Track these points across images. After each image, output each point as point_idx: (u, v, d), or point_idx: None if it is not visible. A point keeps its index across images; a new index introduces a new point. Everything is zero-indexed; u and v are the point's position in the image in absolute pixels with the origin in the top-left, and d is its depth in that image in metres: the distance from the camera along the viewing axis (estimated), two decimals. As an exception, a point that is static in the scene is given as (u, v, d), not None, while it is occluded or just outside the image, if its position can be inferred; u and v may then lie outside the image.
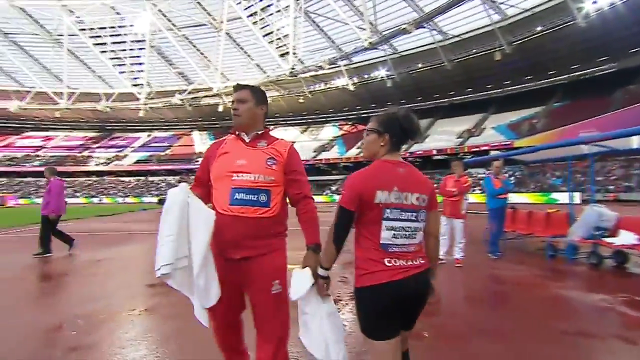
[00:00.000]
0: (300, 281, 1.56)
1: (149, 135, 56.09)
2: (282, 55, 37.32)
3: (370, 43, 31.09)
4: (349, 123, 49.57)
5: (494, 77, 36.71)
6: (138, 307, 3.45)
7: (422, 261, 1.52)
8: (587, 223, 5.22)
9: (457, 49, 33.63)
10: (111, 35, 42.74)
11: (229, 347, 1.80)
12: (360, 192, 1.46)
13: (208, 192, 1.77)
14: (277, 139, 1.81)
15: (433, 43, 33.68)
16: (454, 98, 42.33)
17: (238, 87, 1.81)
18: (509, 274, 4.89)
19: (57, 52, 44.95)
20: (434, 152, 37.53)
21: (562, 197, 24.25)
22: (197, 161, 39.18)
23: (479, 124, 38.40)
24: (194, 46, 44.76)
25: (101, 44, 43.06)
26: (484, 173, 32.07)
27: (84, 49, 44.66)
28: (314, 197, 1.80)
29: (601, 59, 31.11)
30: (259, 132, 1.78)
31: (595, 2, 25.65)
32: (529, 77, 36.22)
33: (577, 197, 24.12)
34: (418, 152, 38.62)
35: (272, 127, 53.76)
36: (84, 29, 42.20)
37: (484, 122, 38.33)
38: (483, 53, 32.57)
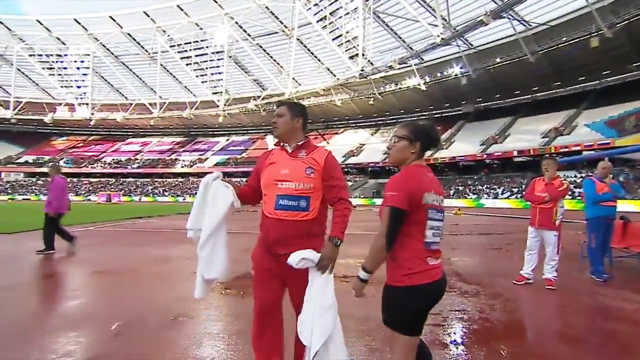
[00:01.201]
0: (300, 254, 1.74)
1: (227, 140, 60.32)
2: (351, 57, 37.41)
3: (442, 39, 29.59)
4: (420, 123, 47.70)
5: (588, 68, 32.40)
6: (207, 307, 3.65)
7: (441, 259, 1.68)
8: None
9: (541, 39, 30.26)
10: (195, 49, 47.14)
11: (267, 347, 1.94)
12: (411, 193, 1.55)
13: (254, 193, 2.07)
14: (316, 147, 2.01)
15: (513, 34, 30.83)
16: (538, 94, 38.36)
17: (278, 105, 2.04)
18: (626, 306, 3.71)
19: (152, 68, 50.95)
20: (515, 153, 34.36)
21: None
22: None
23: (569, 121, 34.26)
24: (267, 54, 47.10)
25: (186, 57, 47.75)
26: (575, 176, 28.55)
27: (172, 62, 49.93)
28: (350, 198, 1.99)
29: None
30: (300, 143, 1.98)
31: None
32: (636, 64, 31.18)
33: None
34: (497, 154, 35.76)
35: (342, 129, 54.48)
36: (173, 45, 47.27)
37: (575, 119, 34.10)
38: (575, 41, 28.78)
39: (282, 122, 1.96)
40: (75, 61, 51.43)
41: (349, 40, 36.46)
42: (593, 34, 26.94)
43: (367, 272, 1.59)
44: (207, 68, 48.12)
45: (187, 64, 48.36)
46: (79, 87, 53.21)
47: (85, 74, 52.28)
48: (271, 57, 47.28)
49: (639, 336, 3.01)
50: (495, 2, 28.40)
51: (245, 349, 2.58)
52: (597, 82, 34.50)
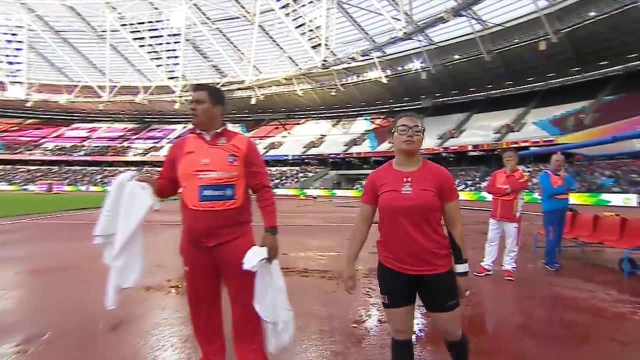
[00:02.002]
0: (254, 255, 1.78)
1: (184, 127, 57.60)
2: (314, 47, 36.97)
3: (404, 33, 30.00)
4: (382, 117, 48.54)
5: (536, 69, 34.50)
6: (152, 309, 3.27)
7: None
8: None
9: (497, 39, 31.76)
10: (149, 30, 44.21)
11: (207, 335, 1.94)
12: None
13: (172, 185, 1.96)
14: (236, 134, 1.95)
15: (471, 33, 32.01)
16: (492, 92, 40.29)
17: (196, 88, 1.91)
18: (578, 295, 3.88)
19: (100, 48, 47.13)
20: (470, 147, 35.91)
21: (613, 199, 22.56)
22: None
23: (519, 118, 36.32)
24: (228, 39, 45.32)
25: (140, 38, 44.66)
26: (524, 170, 30.42)
27: (124, 43, 46.51)
28: (272, 185, 2.00)
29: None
30: (218, 130, 1.91)
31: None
32: (576, 69, 33.69)
33: (633, 199, 22.35)
34: (453, 148, 37.16)
35: (303, 120, 53.95)
36: (124, 25, 43.92)
37: (524, 117, 36.21)
38: (526, 43, 30.51)
39: (202, 110, 1.86)
40: (5, 33, 45.92)
41: (312, 30, 35.98)
42: (541, 38, 28.68)
43: (466, 261, 1.71)
44: (162, 51, 45.42)
45: (140, 46, 45.28)
46: (10, 63, 47.85)
47: (19, 49, 47.05)
48: (231, 42, 45.57)
49: (594, 325, 3.08)
50: (455, 0, 29.19)
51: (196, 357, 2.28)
52: (544, 83, 36.80)
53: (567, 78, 34.95)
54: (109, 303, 1.80)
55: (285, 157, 46.99)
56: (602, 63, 32.01)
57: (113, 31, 44.71)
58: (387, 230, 1.69)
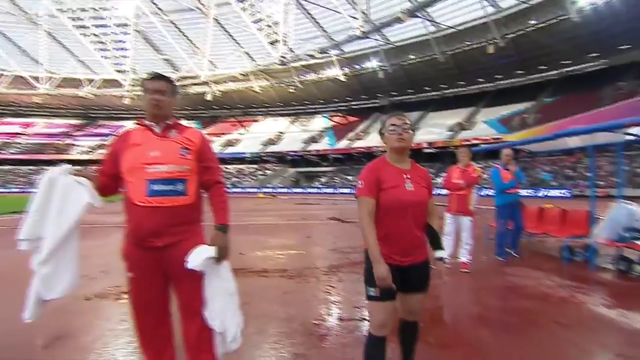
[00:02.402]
0: (200, 253, 1.63)
1: (134, 124, 54.53)
2: (272, 43, 36.45)
3: (362, 32, 30.46)
4: (340, 114, 48.99)
5: (486, 71, 36.50)
6: (95, 319, 2.95)
7: None
8: (615, 223, 4.52)
9: (450, 41, 33.21)
10: (93, 18, 40.97)
11: (155, 346, 1.76)
12: None
13: (114, 182, 1.78)
14: (188, 127, 1.85)
15: (426, 34, 33.20)
16: (446, 91, 42.07)
17: (158, 77, 1.79)
18: (528, 283, 4.10)
19: (34, 34, 42.84)
20: (425, 145, 37.28)
21: (551, 193, 24.55)
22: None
23: (470, 117, 38.29)
24: (182, 32, 43.33)
25: (82, 27, 41.25)
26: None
27: (64, 31, 42.69)
28: (225, 181, 1.88)
29: (592, 54, 31.13)
30: (170, 122, 1.80)
31: (590, -3, 25.48)
32: (520, 72, 36.11)
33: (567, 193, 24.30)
34: (409, 145, 38.35)
35: (260, 117, 53.06)
36: (62, 10, 40.20)
37: (475, 116, 38.23)
38: (476, 46, 32.22)
39: (166, 102, 1.77)
40: None
41: (270, 25, 35.45)
42: (489, 42, 30.44)
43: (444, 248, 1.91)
44: (109, 42, 42.43)
45: (82, 34, 41.88)
46: None
47: None
48: (185, 36, 43.63)
49: (541, 311, 3.24)
50: (411, 2, 30.10)
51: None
52: (493, 84, 39.08)
53: (513, 80, 37.33)
54: (27, 315, 1.58)
55: (243, 155, 46.02)
56: (541, 67, 34.59)
57: (50, 16, 40.85)
58: (390, 225, 1.72)
